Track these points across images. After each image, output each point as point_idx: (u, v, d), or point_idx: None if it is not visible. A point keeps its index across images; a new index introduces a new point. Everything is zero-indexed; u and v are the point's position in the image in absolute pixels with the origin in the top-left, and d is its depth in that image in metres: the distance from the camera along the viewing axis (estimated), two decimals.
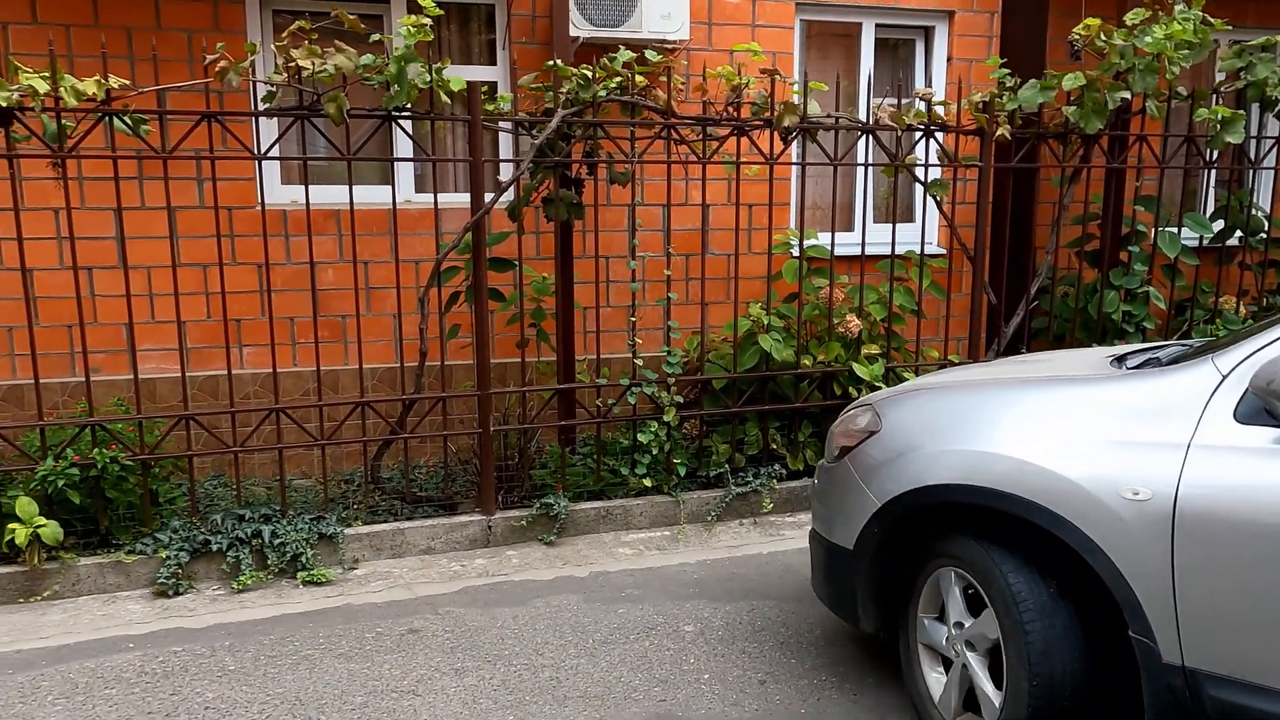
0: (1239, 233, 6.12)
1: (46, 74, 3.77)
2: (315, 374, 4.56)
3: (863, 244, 5.15)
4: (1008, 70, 5.34)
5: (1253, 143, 5.88)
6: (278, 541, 4.27)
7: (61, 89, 3.71)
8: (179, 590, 4.12)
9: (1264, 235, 6.10)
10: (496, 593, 4.18)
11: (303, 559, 4.27)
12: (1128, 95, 5.17)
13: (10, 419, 4.93)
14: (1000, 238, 5.69)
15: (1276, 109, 5.61)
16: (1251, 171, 5.98)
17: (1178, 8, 5.14)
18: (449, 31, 5.71)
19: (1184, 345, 3.21)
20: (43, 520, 3.94)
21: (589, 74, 4.53)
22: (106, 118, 3.92)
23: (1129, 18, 5.16)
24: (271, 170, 5.39)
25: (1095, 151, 5.52)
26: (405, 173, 5.59)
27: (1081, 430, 2.56)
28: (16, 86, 3.73)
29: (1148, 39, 5.08)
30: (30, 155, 3.91)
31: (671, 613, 3.96)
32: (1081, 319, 5.79)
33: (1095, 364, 3.09)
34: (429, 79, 4.20)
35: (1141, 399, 2.54)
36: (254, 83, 4.14)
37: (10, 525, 3.92)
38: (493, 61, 5.75)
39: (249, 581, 4.18)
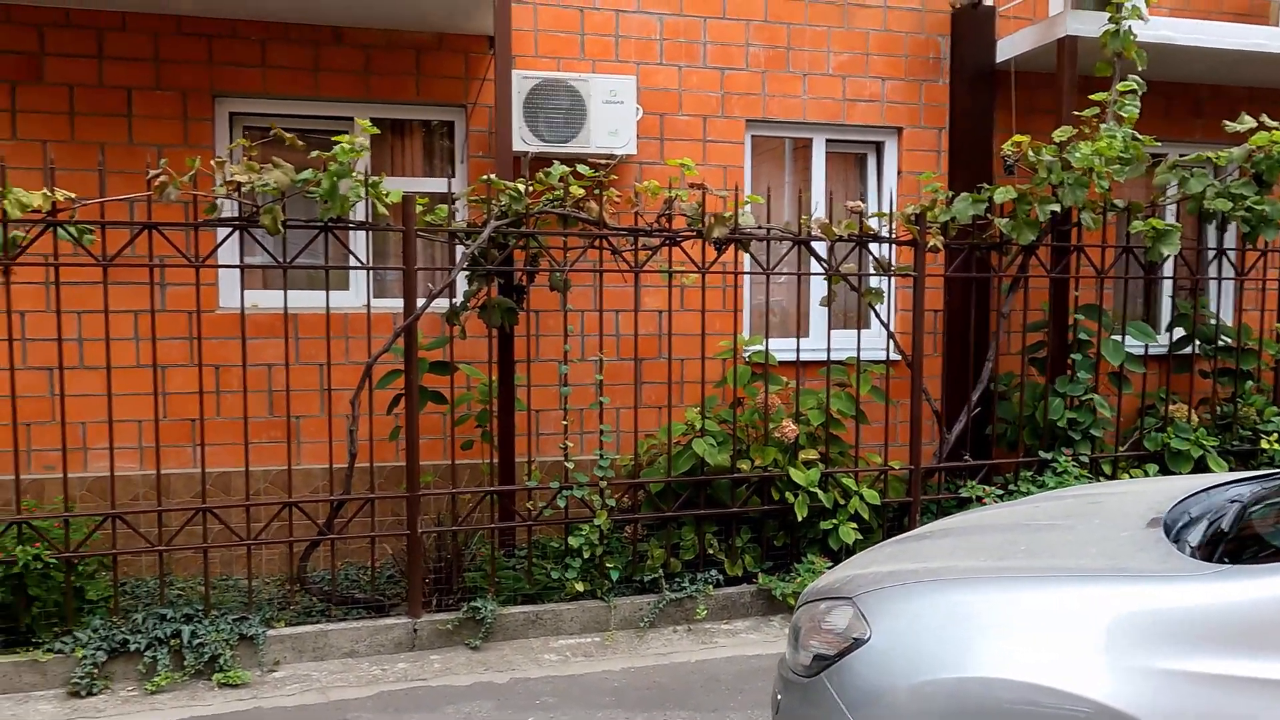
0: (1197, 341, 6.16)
1: None
2: (247, 474, 4.65)
3: (797, 350, 5.22)
4: (939, 185, 5.49)
5: (1210, 253, 5.99)
6: (197, 642, 4.28)
7: (5, 201, 3.95)
8: (92, 691, 4.12)
9: (1218, 343, 6.11)
10: (411, 698, 4.14)
11: (221, 660, 4.27)
12: (1058, 208, 5.29)
13: None
14: (947, 344, 5.75)
15: (1214, 221, 5.71)
16: (1210, 281, 6.03)
17: (1104, 125, 5.31)
18: (412, 143, 5.99)
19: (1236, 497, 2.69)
20: None
21: (521, 188, 4.73)
22: (51, 228, 4.14)
23: (1057, 135, 5.33)
24: (233, 277, 5.61)
25: (1035, 260, 5.62)
26: (362, 279, 5.78)
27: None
28: None
29: (1077, 154, 5.23)
30: None
31: None
32: (1030, 426, 5.78)
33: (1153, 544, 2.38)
34: (362, 193, 4.41)
35: None
36: (194, 195, 4.37)
37: None
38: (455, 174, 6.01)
39: (164, 682, 4.17)
